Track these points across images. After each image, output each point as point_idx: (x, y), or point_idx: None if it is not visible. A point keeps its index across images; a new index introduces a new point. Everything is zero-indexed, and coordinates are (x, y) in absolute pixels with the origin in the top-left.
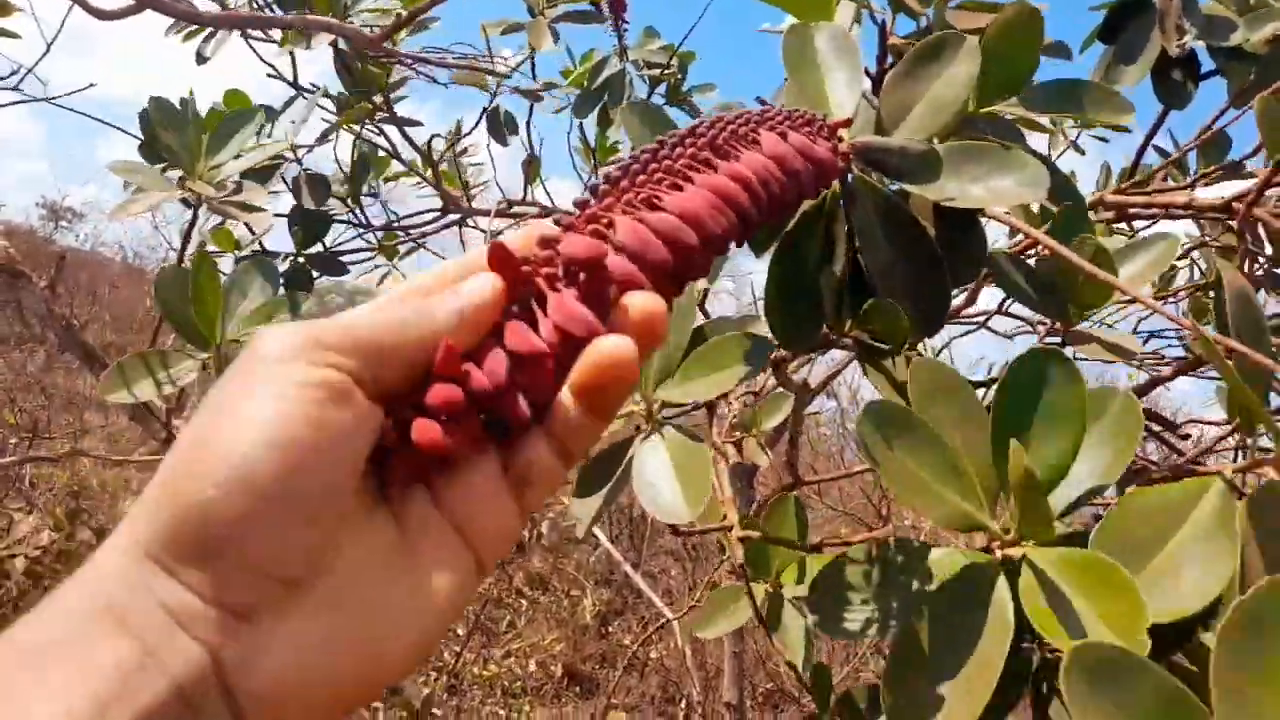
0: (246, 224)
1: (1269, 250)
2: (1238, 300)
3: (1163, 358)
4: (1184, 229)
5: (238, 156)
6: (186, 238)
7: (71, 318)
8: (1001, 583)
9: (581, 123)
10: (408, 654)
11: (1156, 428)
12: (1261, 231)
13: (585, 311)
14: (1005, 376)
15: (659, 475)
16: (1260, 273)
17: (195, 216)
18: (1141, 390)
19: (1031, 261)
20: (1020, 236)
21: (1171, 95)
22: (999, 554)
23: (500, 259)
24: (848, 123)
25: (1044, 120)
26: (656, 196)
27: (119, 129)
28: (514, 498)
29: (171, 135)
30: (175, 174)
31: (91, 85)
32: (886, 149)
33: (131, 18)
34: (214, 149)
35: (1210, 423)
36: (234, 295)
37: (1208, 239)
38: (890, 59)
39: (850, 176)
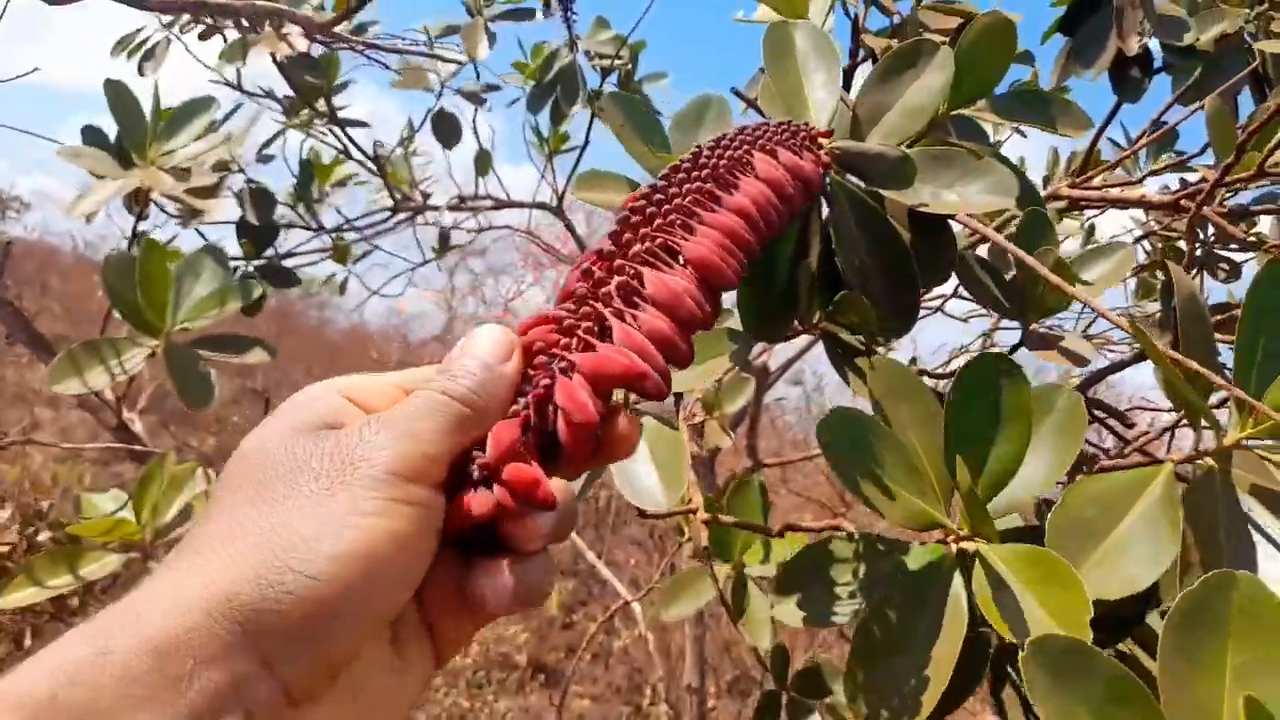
0: (191, 209)
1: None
2: (1187, 303)
3: (1111, 340)
4: (1131, 215)
5: (191, 143)
6: (135, 234)
7: (19, 308)
8: (957, 576)
9: (535, 116)
10: None
11: (1104, 415)
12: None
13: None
14: (956, 381)
15: (637, 462)
16: (1199, 252)
17: (144, 208)
18: (1088, 382)
19: (982, 251)
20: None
21: (1127, 89)
22: (954, 548)
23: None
24: (829, 133)
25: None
26: (674, 244)
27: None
28: (471, 614)
29: (125, 120)
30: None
31: (36, 69)
32: (865, 154)
33: (80, 4)
34: (167, 135)
35: (1158, 409)
36: (185, 281)
37: (1154, 228)
38: (861, 53)
39: (828, 179)
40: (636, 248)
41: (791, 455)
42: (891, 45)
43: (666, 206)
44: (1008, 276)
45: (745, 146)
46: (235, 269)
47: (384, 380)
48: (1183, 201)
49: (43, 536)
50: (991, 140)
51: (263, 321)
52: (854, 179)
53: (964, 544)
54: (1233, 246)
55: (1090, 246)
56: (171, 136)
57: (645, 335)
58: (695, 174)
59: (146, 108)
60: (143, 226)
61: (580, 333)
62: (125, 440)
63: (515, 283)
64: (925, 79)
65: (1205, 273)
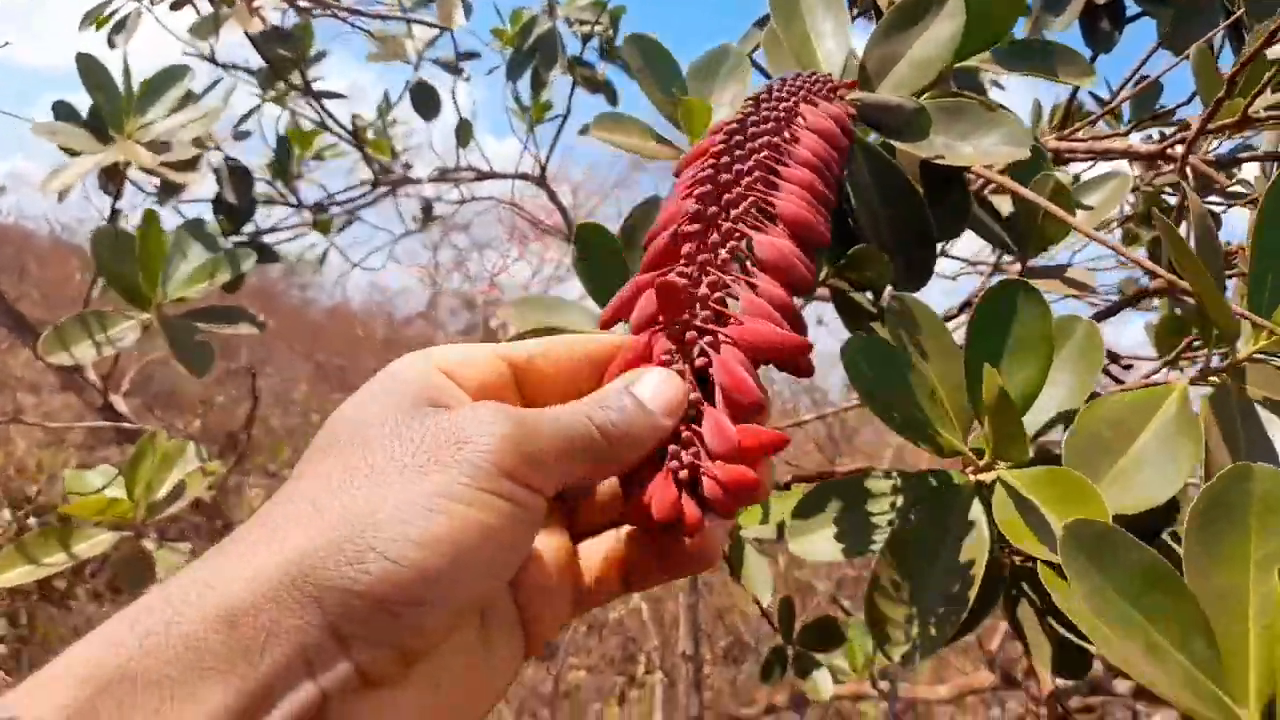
0: (170, 183)
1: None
2: (1199, 220)
3: (1099, 289)
4: (1115, 169)
5: (168, 116)
6: (114, 211)
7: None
8: (976, 503)
9: (515, 84)
10: None
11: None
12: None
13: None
14: (977, 307)
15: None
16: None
17: (121, 186)
18: (1098, 318)
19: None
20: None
21: (1098, 41)
22: (973, 477)
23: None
24: (853, 84)
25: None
26: (767, 201)
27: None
28: (571, 600)
29: (99, 94)
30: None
31: (7, 44)
32: (882, 106)
33: None
34: (143, 107)
35: (1143, 358)
36: (175, 254)
37: (1139, 180)
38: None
39: None
40: (736, 208)
41: (781, 423)
42: None
43: (749, 162)
44: (1005, 213)
45: (792, 98)
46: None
47: (483, 351)
48: (1169, 150)
49: (32, 520)
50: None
51: (244, 300)
52: (869, 131)
53: (982, 474)
54: (1213, 197)
55: (1086, 179)
56: (147, 109)
57: (769, 303)
58: (763, 126)
59: (120, 82)
60: (120, 205)
61: (712, 302)
62: (111, 421)
63: (500, 257)
64: (935, 30)
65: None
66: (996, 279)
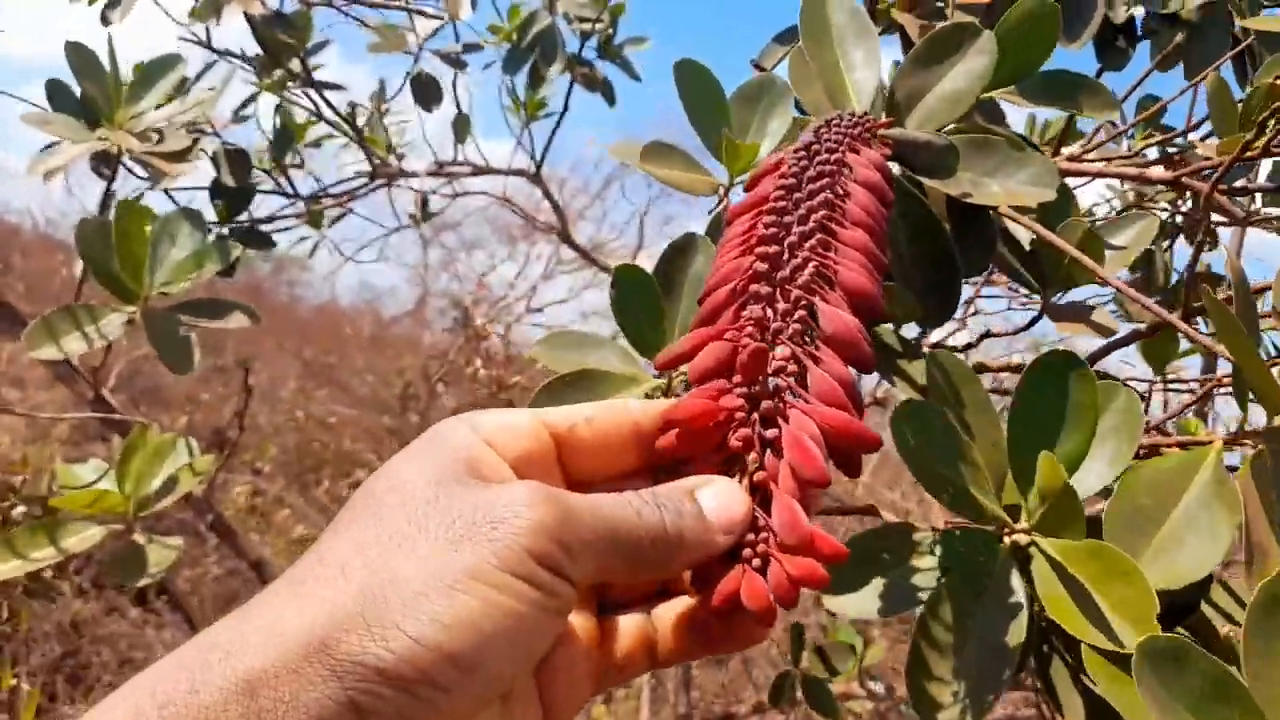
0: (160, 172)
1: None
2: (1240, 287)
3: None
4: (1106, 185)
5: (159, 106)
6: (106, 197)
7: None
8: (1015, 573)
9: (512, 79)
10: None
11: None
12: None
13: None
14: (1026, 374)
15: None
16: (1180, 222)
17: (115, 172)
18: (1094, 357)
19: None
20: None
21: (1111, 57)
22: (1008, 542)
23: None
24: (890, 123)
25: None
26: (828, 267)
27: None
28: (594, 679)
29: (90, 83)
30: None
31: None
32: (915, 143)
33: None
34: (134, 97)
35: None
36: (161, 244)
37: (1130, 200)
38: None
39: None
40: (801, 273)
41: None
42: (920, 23)
43: (809, 223)
44: (1025, 244)
45: (840, 148)
46: (209, 230)
47: (525, 418)
48: (1184, 180)
49: (18, 511)
50: None
51: (232, 297)
52: (898, 167)
53: (1017, 535)
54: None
55: (1111, 217)
56: (139, 99)
57: (837, 383)
58: (820, 182)
59: (108, 67)
60: (117, 193)
61: (787, 374)
62: (102, 410)
63: (489, 257)
64: (966, 64)
65: (1184, 238)
66: (1011, 312)
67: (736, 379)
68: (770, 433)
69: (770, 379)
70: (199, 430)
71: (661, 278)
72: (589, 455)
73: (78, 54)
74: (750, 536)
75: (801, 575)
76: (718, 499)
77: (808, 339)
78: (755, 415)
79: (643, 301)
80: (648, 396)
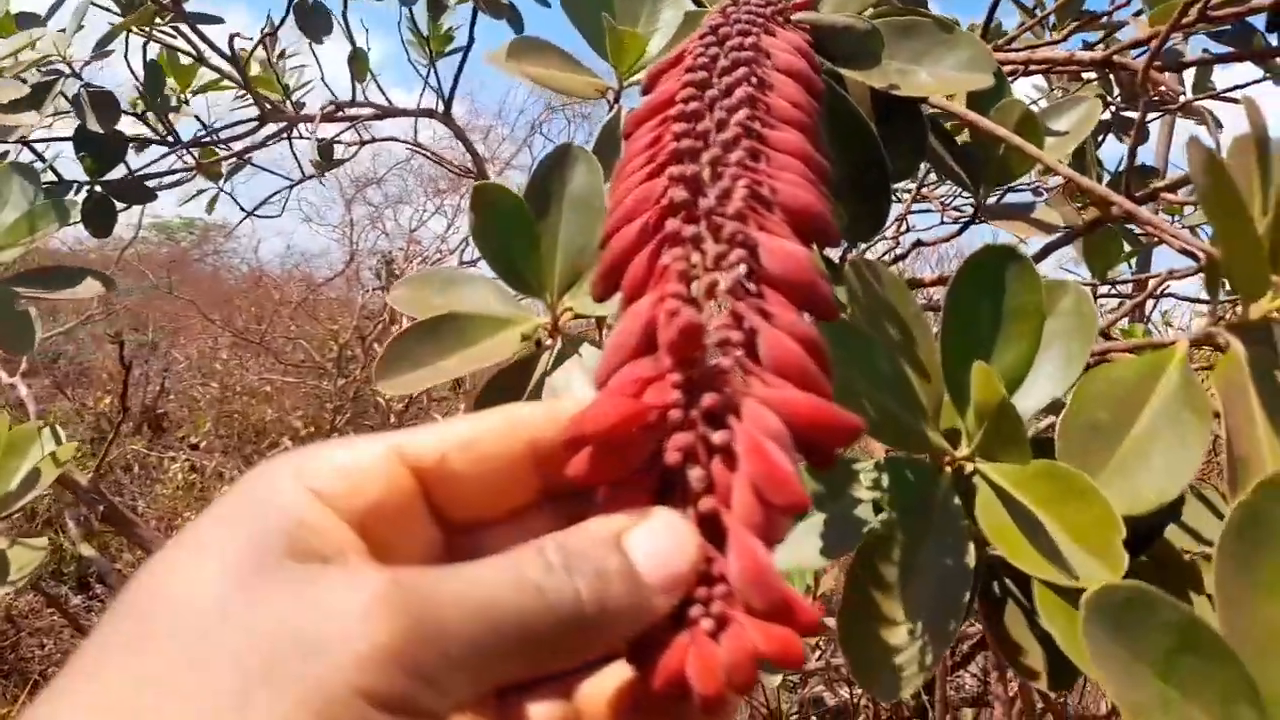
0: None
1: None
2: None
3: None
4: (1031, 83)
5: None
6: None
7: None
8: (956, 500)
9: (411, 11)
10: None
11: None
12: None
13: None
14: (957, 277)
15: (572, 378)
16: (1108, 116)
17: None
18: (1037, 258)
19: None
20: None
21: None
22: (948, 469)
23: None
24: (807, 3)
25: None
26: (760, 183)
27: None
28: None
29: None
30: None
31: None
32: (833, 28)
33: None
34: None
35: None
36: None
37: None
38: None
39: None
40: (729, 198)
41: None
42: None
43: (730, 128)
44: (959, 141)
45: (754, 30)
46: (79, 187)
47: (374, 454)
48: (1114, 59)
49: None
50: None
51: (153, 271)
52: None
53: (960, 463)
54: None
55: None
56: None
57: (800, 347)
58: (735, 73)
59: None
60: None
61: (733, 346)
62: None
63: (416, 211)
64: None
65: (1114, 135)
66: (950, 218)
67: (665, 362)
68: (719, 436)
69: (710, 356)
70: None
71: (534, 197)
72: (469, 492)
73: None
74: (700, 589)
75: (774, 651)
76: (654, 544)
77: (750, 287)
78: (696, 412)
79: (511, 225)
80: (527, 339)
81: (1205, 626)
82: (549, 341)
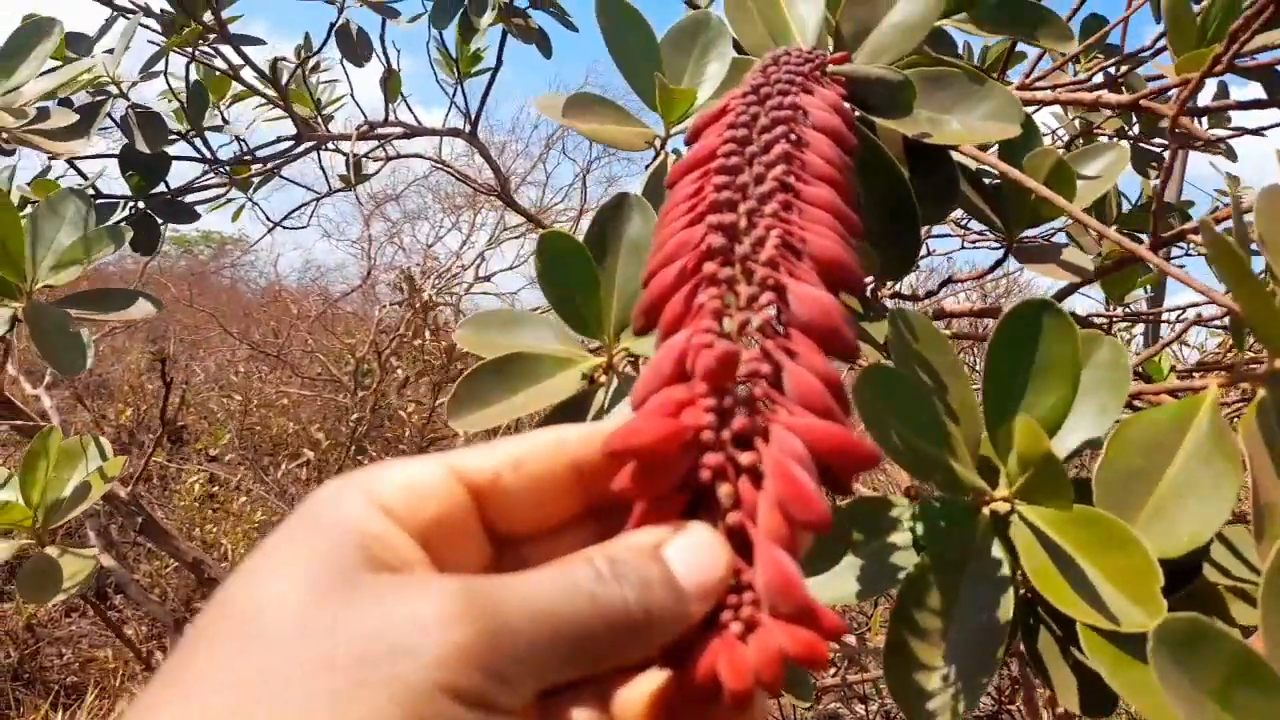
0: (58, 157)
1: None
2: (1240, 229)
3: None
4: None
5: (39, 76)
6: None
7: None
8: (996, 544)
9: (441, 33)
10: None
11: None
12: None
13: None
14: (999, 328)
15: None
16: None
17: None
18: (1059, 296)
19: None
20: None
21: None
22: (987, 511)
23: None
24: (843, 58)
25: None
26: (793, 234)
27: None
28: None
29: None
30: None
31: None
32: (866, 80)
33: None
34: (6, 70)
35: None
36: (45, 231)
37: (1076, 127)
38: None
39: None
40: (764, 246)
41: None
42: None
43: (767, 181)
44: (988, 184)
45: (793, 89)
46: (117, 205)
47: (433, 474)
48: (1142, 103)
49: None
50: None
51: (173, 284)
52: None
53: (997, 504)
54: (1156, 143)
55: (1080, 147)
56: (10, 71)
57: (823, 384)
58: (774, 131)
59: None
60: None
61: (763, 378)
62: (7, 415)
63: (434, 227)
64: None
65: (1135, 169)
66: (980, 255)
67: (699, 388)
68: (747, 457)
69: (741, 386)
70: (146, 423)
71: (594, 244)
72: (518, 507)
73: None
74: (730, 597)
75: (800, 652)
76: (690, 555)
77: (779, 328)
78: (727, 434)
79: (575, 271)
80: (585, 378)
81: (1258, 657)
82: (603, 379)
